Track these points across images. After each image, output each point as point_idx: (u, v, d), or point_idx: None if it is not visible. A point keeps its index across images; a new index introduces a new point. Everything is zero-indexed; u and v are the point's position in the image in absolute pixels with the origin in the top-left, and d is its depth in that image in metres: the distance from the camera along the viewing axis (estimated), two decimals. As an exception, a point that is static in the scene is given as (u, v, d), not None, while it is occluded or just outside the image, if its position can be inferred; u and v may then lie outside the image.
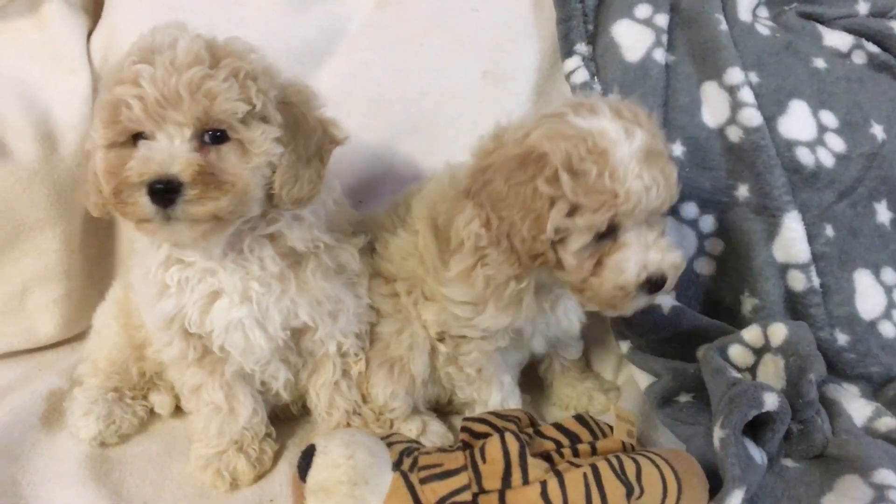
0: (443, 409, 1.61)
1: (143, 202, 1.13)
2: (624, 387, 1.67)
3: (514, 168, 1.18)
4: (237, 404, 1.41)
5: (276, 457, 1.47)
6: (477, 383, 1.46)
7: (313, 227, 1.34)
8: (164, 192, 1.12)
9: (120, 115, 1.15)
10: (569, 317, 1.43)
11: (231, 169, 1.17)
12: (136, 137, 1.18)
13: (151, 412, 1.60)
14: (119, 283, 1.64)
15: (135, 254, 1.41)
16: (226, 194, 1.15)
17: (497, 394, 1.47)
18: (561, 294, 1.39)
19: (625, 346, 1.63)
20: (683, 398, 1.49)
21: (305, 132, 1.25)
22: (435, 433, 1.51)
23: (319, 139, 1.27)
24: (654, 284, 1.22)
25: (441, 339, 1.44)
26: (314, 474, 1.17)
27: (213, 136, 1.17)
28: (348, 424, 1.48)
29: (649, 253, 1.21)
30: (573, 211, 1.16)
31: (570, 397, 1.64)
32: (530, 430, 1.28)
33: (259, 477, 1.42)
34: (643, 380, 1.57)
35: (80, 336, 1.84)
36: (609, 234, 1.20)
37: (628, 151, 1.16)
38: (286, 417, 1.58)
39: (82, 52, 1.81)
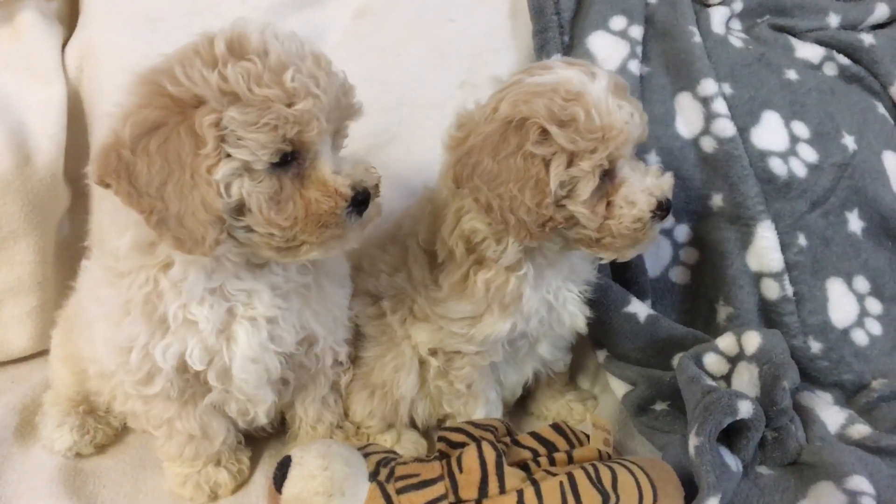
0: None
1: (347, 216, 1.12)
2: (601, 396, 1.67)
3: (498, 142, 1.18)
4: (211, 430, 1.36)
5: (252, 468, 1.46)
6: (465, 398, 1.44)
7: None
8: (365, 201, 1.14)
9: (302, 132, 1.06)
10: (569, 308, 1.40)
11: None
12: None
13: (125, 423, 1.57)
14: (60, 329, 1.52)
15: (98, 305, 1.23)
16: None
17: (482, 409, 1.46)
18: (561, 286, 1.38)
19: (601, 355, 1.65)
20: (659, 406, 1.50)
21: None
22: (409, 440, 1.50)
23: None
24: (663, 208, 1.26)
25: (433, 353, 1.42)
26: (290, 486, 1.16)
27: None
28: (331, 437, 1.46)
29: (647, 180, 1.26)
30: (572, 161, 1.18)
31: (550, 409, 1.63)
32: (507, 440, 1.28)
33: (238, 487, 1.41)
34: (620, 388, 1.58)
35: (53, 348, 1.82)
36: (606, 175, 1.23)
37: (600, 88, 1.20)
38: (260, 436, 1.53)
39: (57, 62, 1.80)
